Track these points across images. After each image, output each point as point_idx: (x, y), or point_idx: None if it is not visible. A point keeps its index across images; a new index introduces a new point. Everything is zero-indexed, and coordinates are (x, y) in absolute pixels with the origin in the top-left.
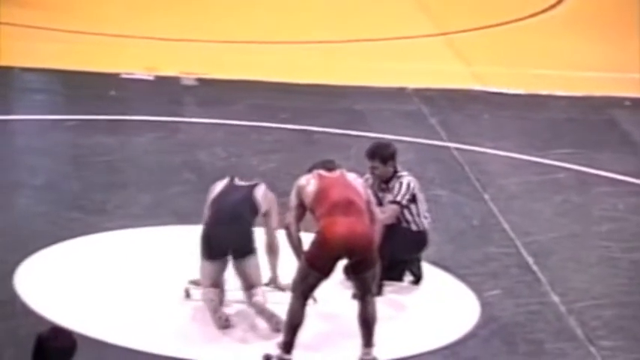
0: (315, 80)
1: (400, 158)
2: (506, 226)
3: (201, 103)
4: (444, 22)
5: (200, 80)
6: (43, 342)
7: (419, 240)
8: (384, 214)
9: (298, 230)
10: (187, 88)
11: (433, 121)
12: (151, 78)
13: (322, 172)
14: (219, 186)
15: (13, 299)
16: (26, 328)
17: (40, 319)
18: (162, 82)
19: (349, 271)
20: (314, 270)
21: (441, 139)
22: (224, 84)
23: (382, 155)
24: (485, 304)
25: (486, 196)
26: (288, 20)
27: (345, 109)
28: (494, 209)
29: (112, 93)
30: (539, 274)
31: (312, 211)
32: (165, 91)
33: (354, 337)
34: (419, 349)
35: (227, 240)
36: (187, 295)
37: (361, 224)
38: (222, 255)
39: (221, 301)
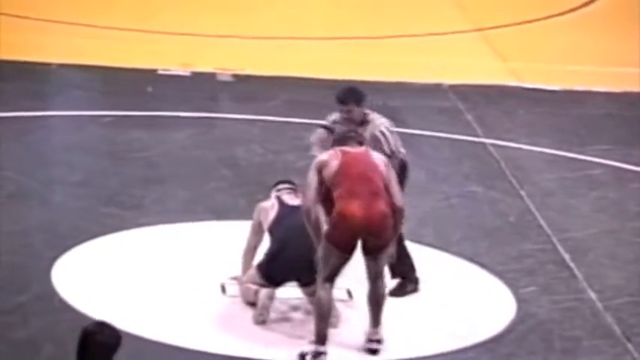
0: (350, 76)
1: (436, 154)
2: (542, 222)
3: (237, 99)
4: (479, 17)
5: (236, 76)
6: (89, 335)
7: (402, 166)
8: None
9: (318, 213)
10: (223, 84)
11: (469, 117)
12: (187, 74)
13: (346, 148)
14: (271, 210)
15: (51, 295)
16: (64, 323)
17: (78, 314)
18: (199, 78)
19: (364, 252)
20: (336, 248)
21: (477, 135)
22: (260, 80)
23: (356, 97)
24: (521, 301)
25: (522, 193)
26: (323, 16)
27: (381, 105)
28: (531, 205)
29: (149, 89)
30: (576, 271)
31: (331, 189)
32: (202, 88)
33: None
34: (454, 345)
35: (295, 267)
36: (223, 290)
37: (379, 205)
38: (287, 281)
39: (270, 297)
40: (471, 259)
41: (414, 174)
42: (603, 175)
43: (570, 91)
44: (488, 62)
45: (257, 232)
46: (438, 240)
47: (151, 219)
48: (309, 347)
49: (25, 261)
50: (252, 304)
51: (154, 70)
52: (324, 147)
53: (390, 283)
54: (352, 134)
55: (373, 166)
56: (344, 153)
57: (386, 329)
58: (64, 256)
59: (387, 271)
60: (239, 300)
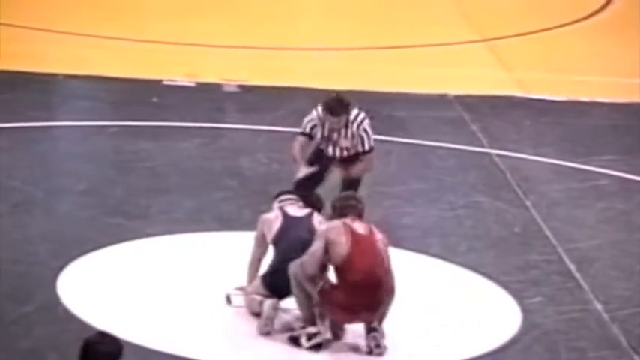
0: (355, 87)
1: (441, 165)
2: (548, 232)
3: (243, 109)
4: (485, 28)
5: (241, 87)
6: (90, 345)
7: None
8: (366, 163)
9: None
10: (229, 94)
11: (474, 127)
12: (192, 84)
13: (354, 225)
14: (274, 222)
15: (56, 304)
16: (69, 333)
17: (82, 324)
18: (204, 88)
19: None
20: (329, 316)
21: (483, 146)
22: (265, 90)
23: (345, 107)
24: (526, 311)
25: (528, 203)
26: (329, 27)
27: (386, 115)
28: (536, 216)
29: (154, 100)
30: (582, 282)
31: (336, 266)
32: (207, 98)
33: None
34: (460, 356)
35: None
36: (229, 301)
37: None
38: (291, 293)
39: (274, 307)
40: (477, 270)
41: (419, 184)
42: (609, 185)
43: (576, 102)
44: (494, 73)
45: (261, 244)
46: (444, 250)
47: (157, 229)
48: (301, 331)
49: (30, 270)
50: (257, 314)
51: (160, 81)
52: (305, 154)
53: None
54: (352, 203)
55: (378, 256)
56: (353, 234)
57: (390, 340)
58: (69, 265)
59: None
60: (244, 310)
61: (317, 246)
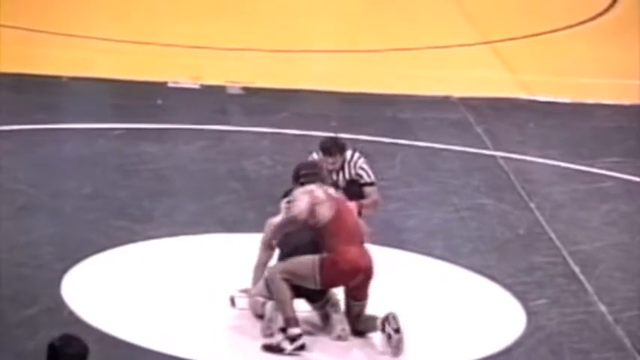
0: (360, 89)
1: (445, 167)
2: (552, 235)
3: (247, 111)
4: (489, 30)
5: (246, 89)
6: (58, 350)
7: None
8: (372, 197)
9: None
10: (233, 96)
11: (478, 129)
12: (196, 87)
13: (333, 192)
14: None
15: (61, 307)
16: None
17: (87, 327)
18: (208, 90)
19: (355, 299)
20: (322, 284)
21: (487, 148)
22: (270, 93)
23: (340, 148)
24: (530, 314)
25: (532, 205)
26: (333, 29)
27: (390, 117)
28: (540, 218)
29: (159, 102)
30: (586, 284)
31: (324, 230)
32: (211, 100)
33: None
34: (464, 358)
35: None
36: (232, 303)
37: (368, 251)
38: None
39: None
40: (481, 272)
41: (424, 187)
42: (613, 187)
43: (580, 104)
44: (498, 75)
45: (267, 248)
46: (448, 252)
47: (161, 231)
48: (281, 336)
49: (34, 273)
50: (261, 316)
51: (164, 83)
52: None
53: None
54: (315, 171)
55: (353, 212)
56: (337, 200)
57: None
58: (73, 268)
59: None
60: (248, 312)
61: (302, 207)
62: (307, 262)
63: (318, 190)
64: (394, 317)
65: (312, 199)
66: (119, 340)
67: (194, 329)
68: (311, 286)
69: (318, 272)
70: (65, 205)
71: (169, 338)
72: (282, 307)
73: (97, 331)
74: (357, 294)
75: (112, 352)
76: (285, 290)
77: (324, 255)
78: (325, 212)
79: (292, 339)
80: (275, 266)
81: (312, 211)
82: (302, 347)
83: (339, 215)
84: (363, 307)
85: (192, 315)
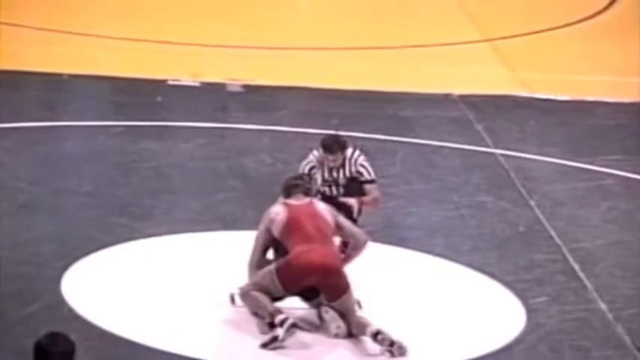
0: (360, 86)
1: (445, 164)
2: (552, 232)
3: (247, 109)
4: (489, 28)
5: (246, 86)
6: (45, 348)
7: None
8: (373, 195)
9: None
10: (233, 94)
11: (479, 127)
12: (196, 84)
13: (290, 201)
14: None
15: (61, 305)
16: (74, 333)
17: (87, 324)
18: (208, 88)
19: (329, 299)
20: (281, 285)
21: (487, 146)
22: (270, 90)
23: (341, 146)
24: (530, 311)
25: (532, 203)
26: (333, 26)
27: (391, 115)
28: (540, 216)
29: (159, 99)
30: (586, 281)
31: (283, 241)
32: (211, 98)
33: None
34: (464, 355)
35: None
36: (232, 301)
37: (332, 251)
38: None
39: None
40: (481, 269)
41: (424, 184)
42: (614, 185)
43: (580, 102)
44: (498, 72)
45: (255, 269)
46: (448, 250)
47: (161, 229)
48: (273, 330)
49: (34, 271)
50: (257, 314)
51: (164, 81)
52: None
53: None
54: (298, 182)
55: (320, 216)
56: (289, 206)
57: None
58: (73, 265)
59: None
60: (247, 310)
61: (260, 228)
62: (265, 271)
63: (273, 209)
64: (381, 333)
65: (266, 223)
66: (119, 338)
67: (194, 327)
68: (277, 293)
69: (276, 277)
70: (65, 202)
71: (169, 336)
72: (263, 312)
73: (97, 329)
74: (327, 295)
75: (112, 350)
76: (259, 297)
77: (280, 260)
78: (277, 226)
79: (281, 323)
80: (244, 284)
81: (269, 231)
82: (294, 325)
83: (291, 218)
84: (345, 307)
85: (192, 312)
